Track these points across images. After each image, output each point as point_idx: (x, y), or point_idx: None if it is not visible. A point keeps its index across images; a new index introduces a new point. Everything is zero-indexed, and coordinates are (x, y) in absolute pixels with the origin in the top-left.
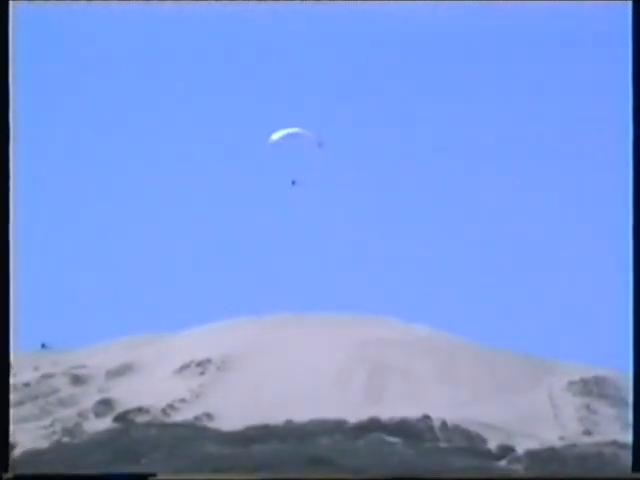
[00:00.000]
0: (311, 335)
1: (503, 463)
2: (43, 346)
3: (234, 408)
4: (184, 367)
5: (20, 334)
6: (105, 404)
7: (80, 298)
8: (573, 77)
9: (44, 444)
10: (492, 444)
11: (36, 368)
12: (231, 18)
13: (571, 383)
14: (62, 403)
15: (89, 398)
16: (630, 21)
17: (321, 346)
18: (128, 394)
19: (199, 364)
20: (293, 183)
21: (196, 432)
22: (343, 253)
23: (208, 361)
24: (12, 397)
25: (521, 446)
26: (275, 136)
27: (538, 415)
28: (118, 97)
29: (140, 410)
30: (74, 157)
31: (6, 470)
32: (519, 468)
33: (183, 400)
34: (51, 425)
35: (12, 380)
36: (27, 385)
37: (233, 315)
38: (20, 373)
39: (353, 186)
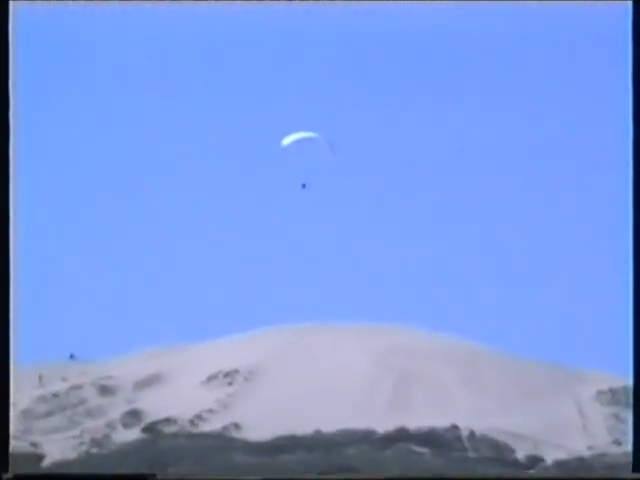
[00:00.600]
0: (337, 344)
1: (532, 473)
2: (71, 357)
3: (262, 418)
4: (212, 377)
5: (49, 345)
6: (133, 415)
7: (109, 308)
8: (573, 77)
9: (72, 455)
10: (520, 454)
11: (64, 379)
12: (244, 19)
13: (600, 392)
14: (90, 414)
15: (117, 409)
16: (630, 21)
17: (347, 355)
18: (156, 405)
19: (227, 374)
20: (303, 186)
21: (224, 442)
22: (366, 261)
23: (236, 371)
24: (41, 408)
25: (549, 456)
26: (287, 140)
27: (566, 424)
28: (118, 97)
29: (168, 421)
30: (75, 158)
31: (6, 470)
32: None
33: (211, 410)
34: (79, 436)
35: (41, 391)
36: (56, 396)
37: (259, 325)
38: (49, 384)
39: (372, 190)
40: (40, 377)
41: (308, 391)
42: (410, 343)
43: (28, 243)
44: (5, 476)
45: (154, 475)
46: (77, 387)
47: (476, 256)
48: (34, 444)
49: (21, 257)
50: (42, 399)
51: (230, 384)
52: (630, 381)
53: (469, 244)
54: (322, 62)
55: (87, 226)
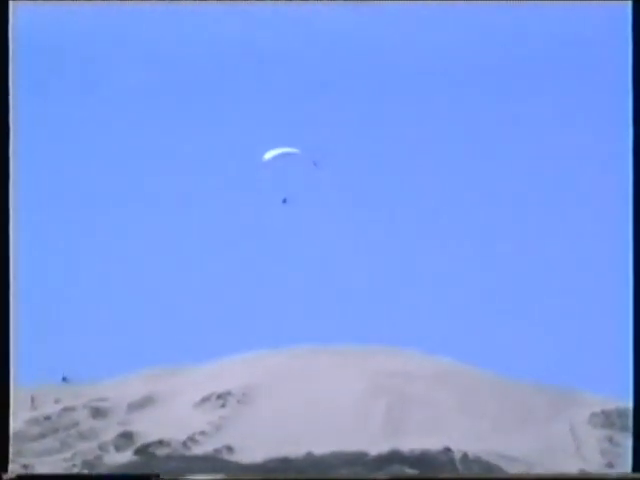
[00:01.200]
0: (331, 367)
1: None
2: (64, 379)
3: (254, 440)
4: (205, 399)
5: (40, 368)
6: (126, 437)
7: (102, 331)
8: (572, 77)
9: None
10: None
11: (57, 401)
12: (223, 31)
13: (593, 415)
14: (83, 436)
15: (110, 431)
16: (630, 21)
17: (341, 378)
18: (149, 427)
19: (220, 396)
20: (284, 201)
21: (216, 465)
22: (360, 282)
23: (229, 393)
24: (33, 430)
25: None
26: (269, 155)
27: (560, 447)
28: (119, 97)
29: (161, 443)
30: (75, 161)
31: (6, 470)
32: None
33: (204, 433)
34: (72, 458)
35: (33, 413)
36: (48, 418)
37: (253, 347)
38: (41, 406)
39: (362, 206)
40: (32, 399)
41: (301, 413)
42: (404, 366)
43: (21, 262)
44: (5, 476)
45: (157, 475)
46: (70, 409)
47: (471, 278)
48: (26, 466)
49: (14, 278)
50: (34, 421)
51: (223, 406)
52: (627, 402)
53: (463, 266)
54: (309, 79)
55: (81, 247)
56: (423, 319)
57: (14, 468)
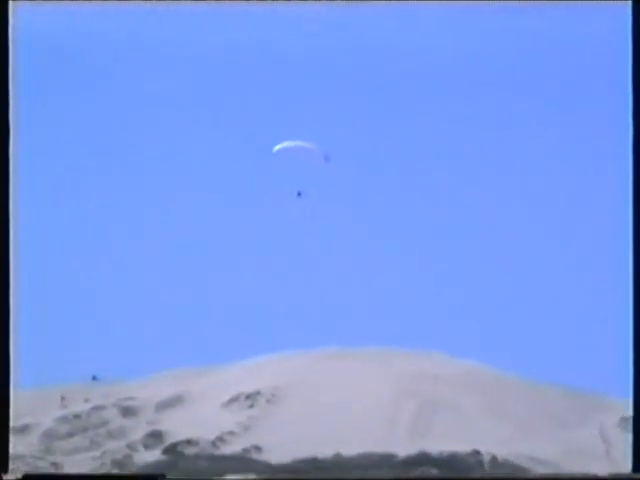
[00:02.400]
0: (359, 368)
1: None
2: (94, 378)
3: (283, 441)
4: (233, 400)
5: (71, 366)
6: (154, 436)
7: (131, 330)
8: (572, 77)
9: None
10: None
11: (87, 400)
12: (240, 25)
13: (623, 419)
14: (112, 435)
15: (139, 430)
16: (630, 21)
17: (369, 379)
18: (177, 426)
19: (248, 397)
20: (299, 194)
21: (245, 464)
22: (388, 284)
23: (257, 394)
24: (63, 428)
25: None
26: (281, 147)
27: (589, 451)
28: (120, 97)
29: (189, 442)
30: (75, 162)
31: (6, 471)
32: None
33: (232, 433)
34: (100, 457)
35: (63, 412)
36: (77, 417)
37: (282, 348)
38: (71, 405)
39: (386, 206)
40: (62, 398)
41: (329, 415)
42: (431, 369)
43: (45, 261)
44: (5, 477)
45: (163, 475)
46: (99, 408)
47: (499, 281)
48: (55, 464)
49: (45, 280)
50: (64, 420)
51: (251, 406)
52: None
53: (489, 267)
54: (322, 73)
55: (108, 246)
56: (449, 321)
57: (41, 465)
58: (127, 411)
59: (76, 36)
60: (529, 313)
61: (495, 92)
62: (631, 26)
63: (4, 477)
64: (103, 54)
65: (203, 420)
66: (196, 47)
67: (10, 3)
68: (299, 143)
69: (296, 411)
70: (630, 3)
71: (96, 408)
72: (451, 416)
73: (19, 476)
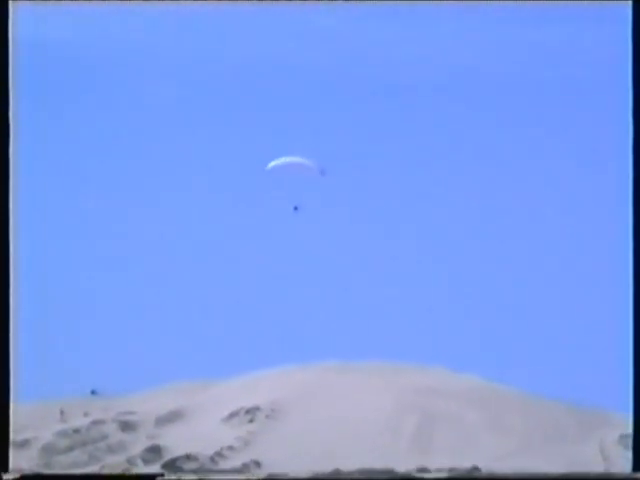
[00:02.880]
0: (359, 383)
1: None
2: (93, 392)
3: (283, 456)
4: (233, 414)
5: (70, 380)
6: (154, 451)
7: (129, 344)
8: (572, 77)
9: None
10: None
11: (86, 414)
12: (237, 36)
13: (623, 436)
14: (111, 449)
15: (138, 444)
16: (630, 21)
17: (369, 394)
18: (177, 441)
19: (248, 411)
20: (296, 209)
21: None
22: (388, 298)
23: (257, 409)
24: (62, 443)
25: None
26: (275, 163)
27: (589, 467)
28: (120, 97)
29: (188, 457)
30: (75, 163)
31: (6, 470)
32: None
33: (232, 448)
34: (99, 471)
35: (63, 426)
36: (77, 431)
37: (282, 362)
38: (70, 419)
39: (384, 216)
40: (62, 412)
41: (329, 429)
42: (431, 383)
43: (44, 271)
44: (5, 476)
45: (162, 475)
46: (99, 422)
47: (501, 294)
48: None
49: (45, 289)
50: (63, 434)
51: (251, 421)
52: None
53: (490, 281)
54: (316, 87)
55: (110, 257)
56: (453, 337)
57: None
58: (126, 425)
59: (76, 36)
60: (531, 327)
61: (495, 92)
62: (631, 26)
63: (4, 477)
64: (103, 54)
65: (202, 435)
66: (198, 49)
67: (10, 3)
68: (294, 159)
69: (296, 426)
70: (630, 3)
71: (95, 422)
72: (452, 431)
73: (17, 476)
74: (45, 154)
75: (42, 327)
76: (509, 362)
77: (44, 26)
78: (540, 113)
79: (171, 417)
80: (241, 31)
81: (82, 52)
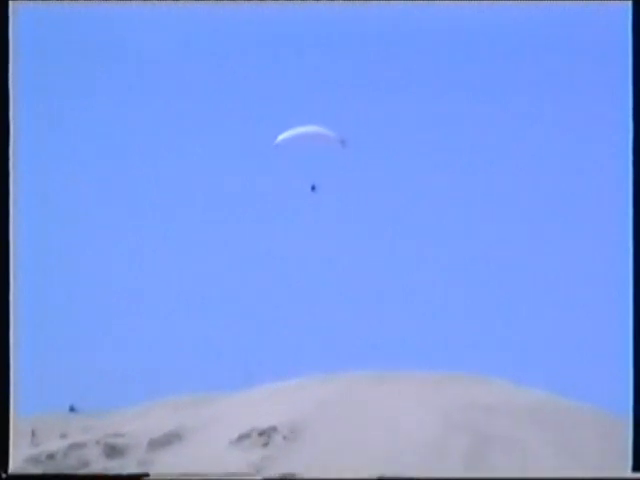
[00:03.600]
0: (398, 397)
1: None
2: (72, 409)
3: None
4: (243, 436)
5: (45, 395)
6: None
7: (117, 350)
8: (572, 77)
9: None
10: None
11: (63, 436)
12: (240, 14)
13: None
14: None
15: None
16: (630, 21)
17: (409, 410)
18: (174, 469)
19: (262, 433)
20: (313, 189)
21: None
22: (433, 297)
23: (273, 429)
24: (33, 471)
25: None
26: (285, 136)
27: None
28: (121, 96)
29: None
30: (76, 163)
31: (6, 470)
32: None
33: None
34: None
35: (34, 451)
36: (51, 457)
37: (303, 373)
38: (44, 442)
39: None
40: (33, 433)
41: (361, 454)
42: (487, 398)
43: (27, 275)
44: (5, 476)
45: (147, 474)
46: (78, 446)
47: (580, 298)
48: None
49: (15, 292)
50: (34, 461)
51: (266, 445)
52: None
53: (556, 282)
54: (335, 56)
55: (100, 257)
56: (512, 343)
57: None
58: (113, 450)
59: (77, 36)
60: (601, 336)
61: (494, 92)
62: (631, 26)
63: (4, 476)
64: (104, 54)
65: (206, 461)
66: (201, 39)
67: (10, 3)
68: (308, 128)
69: (319, 450)
70: (630, 3)
71: (74, 446)
72: (510, 455)
73: (3, 476)
74: (45, 154)
75: (12, 331)
76: (577, 375)
77: (44, 26)
78: (540, 113)
79: (167, 439)
80: (245, 13)
81: (82, 52)
